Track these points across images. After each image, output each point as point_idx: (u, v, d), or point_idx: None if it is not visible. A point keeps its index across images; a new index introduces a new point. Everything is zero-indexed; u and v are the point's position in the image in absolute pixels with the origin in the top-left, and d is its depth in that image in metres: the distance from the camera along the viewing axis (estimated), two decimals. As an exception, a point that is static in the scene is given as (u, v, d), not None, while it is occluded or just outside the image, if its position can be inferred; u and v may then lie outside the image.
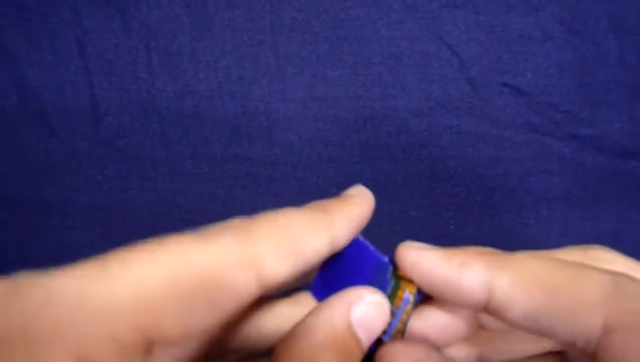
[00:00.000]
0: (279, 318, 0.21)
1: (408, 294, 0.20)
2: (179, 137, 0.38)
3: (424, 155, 0.37)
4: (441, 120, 0.37)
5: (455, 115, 0.37)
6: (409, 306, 0.21)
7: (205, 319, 0.17)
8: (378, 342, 0.21)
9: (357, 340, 0.18)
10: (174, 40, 0.37)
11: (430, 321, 0.20)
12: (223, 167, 0.38)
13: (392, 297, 0.21)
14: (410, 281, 0.20)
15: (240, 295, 0.17)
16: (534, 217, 0.36)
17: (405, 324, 0.21)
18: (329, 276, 0.23)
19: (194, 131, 0.38)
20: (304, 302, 0.22)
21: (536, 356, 0.21)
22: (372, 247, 0.23)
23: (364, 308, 0.19)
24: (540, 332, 0.17)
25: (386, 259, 0.22)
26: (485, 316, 0.20)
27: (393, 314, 0.21)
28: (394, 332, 0.21)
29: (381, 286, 0.21)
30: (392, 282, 0.21)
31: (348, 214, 0.21)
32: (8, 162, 0.38)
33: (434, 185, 0.37)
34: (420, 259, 0.20)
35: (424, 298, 0.21)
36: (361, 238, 0.23)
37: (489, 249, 0.20)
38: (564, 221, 0.37)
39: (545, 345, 0.20)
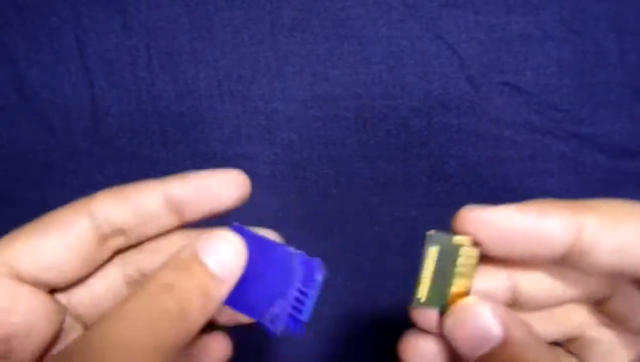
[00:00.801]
0: None
1: (472, 252, 0.21)
2: (179, 137, 0.38)
3: (424, 154, 0.37)
4: (441, 119, 0.37)
5: (455, 114, 0.37)
6: (475, 264, 0.21)
7: None
8: None
9: (200, 262, 0.22)
10: (174, 40, 0.37)
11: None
12: (223, 167, 0.38)
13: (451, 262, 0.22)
14: (468, 243, 0.21)
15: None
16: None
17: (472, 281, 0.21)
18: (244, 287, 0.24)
19: (194, 131, 0.38)
20: None
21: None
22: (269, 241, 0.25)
23: (210, 239, 0.23)
24: (622, 268, 0.18)
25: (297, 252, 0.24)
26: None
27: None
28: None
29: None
30: (447, 248, 0.22)
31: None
32: (8, 162, 0.38)
33: (434, 184, 0.37)
34: (492, 216, 0.20)
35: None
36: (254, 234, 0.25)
37: (557, 200, 0.21)
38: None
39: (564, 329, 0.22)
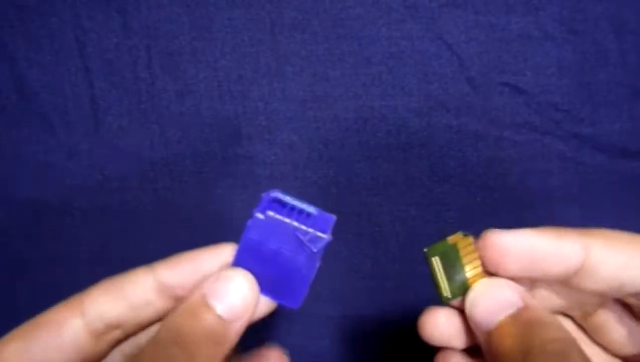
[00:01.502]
0: None
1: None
2: (179, 137, 0.38)
3: (424, 154, 0.37)
4: (441, 119, 0.37)
5: (455, 114, 0.37)
6: (474, 247, 0.25)
7: None
8: None
9: (207, 306, 0.23)
10: (174, 40, 0.37)
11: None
12: (223, 167, 0.38)
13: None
14: (460, 236, 0.25)
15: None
16: (534, 217, 0.36)
17: None
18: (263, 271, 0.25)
19: (194, 131, 0.38)
20: None
21: None
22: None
23: (217, 282, 0.23)
24: (623, 286, 0.21)
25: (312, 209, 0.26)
26: None
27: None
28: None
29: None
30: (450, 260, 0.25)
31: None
32: (8, 162, 0.38)
33: (433, 185, 0.37)
34: (516, 239, 0.23)
35: None
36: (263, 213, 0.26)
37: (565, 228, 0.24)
38: (564, 221, 0.37)
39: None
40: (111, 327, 0.24)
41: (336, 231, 0.37)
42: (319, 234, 0.26)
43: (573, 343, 0.20)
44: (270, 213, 0.26)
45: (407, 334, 0.37)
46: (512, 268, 0.23)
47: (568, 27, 0.36)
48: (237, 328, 0.23)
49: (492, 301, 0.22)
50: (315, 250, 0.26)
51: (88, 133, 0.38)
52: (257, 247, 0.25)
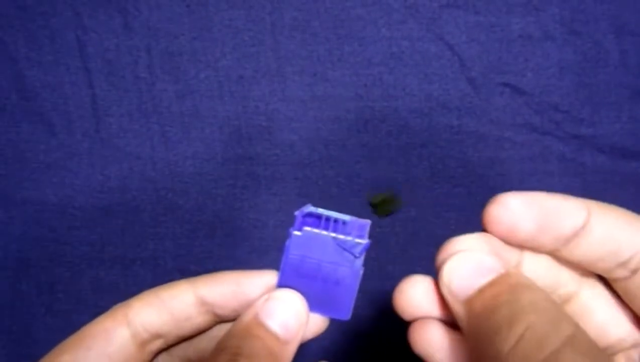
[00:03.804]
0: None
1: None
2: (179, 137, 0.38)
3: (425, 155, 0.37)
4: (442, 120, 0.37)
5: (456, 115, 0.37)
6: None
7: None
8: None
9: (263, 325, 0.23)
10: (175, 41, 0.37)
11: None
12: (223, 167, 0.38)
13: None
14: None
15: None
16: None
17: None
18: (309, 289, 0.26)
19: (194, 131, 0.38)
20: None
21: None
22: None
23: (269, 302, 0.24)
24: (619, 250, 0.21)
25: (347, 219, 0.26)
26: None
27: None
28: None
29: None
30: None
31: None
32: (8, 162, 0.38)
33: (434, 185, 0.37)
34: (527, 198, 0.22)
35: None
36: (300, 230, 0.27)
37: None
38: (564, 221, 0.37)
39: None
40: (155, 336, 0.25)
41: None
42: (358, 239, 0.26)
43: (561, 308, 0.20)
44: (307, 228, 0.26)
45: (407, 334, 0.37)
46: (527, 227, 0.22)
47: (568, 28, 0.36)
48: (292, 348, 0.24)
49: (470, 267, 0.21)
50: (357, 255, 0.26)
51: (88, 133, 0.38)
52: (299, 265, 0.26)
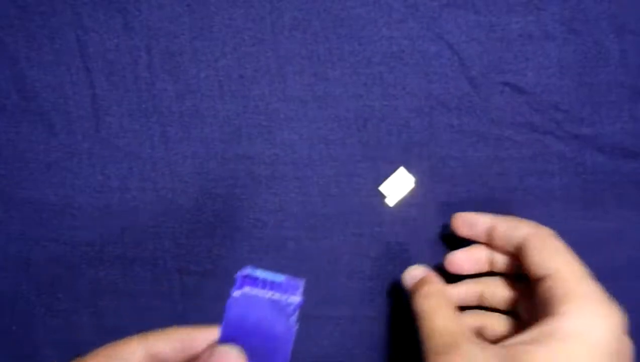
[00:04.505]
0: None
1: None
2: (179, 137, 0.38)
3: (425, 154, 0.37)
4: (442, 119, 0.37)
5: (456, 114, 0.37)
6: None
7: None
8: None
9: None
10: (175, 40, 0.37)
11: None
12: (223, 167, 0.38)
13: None
14: None
15: None
16: (534, 217, 0.36)
17: None
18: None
19: (194, 131, 0.38)
20: None
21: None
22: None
23: (212, 356, 0.27)
24: (504, 236, 0.33)
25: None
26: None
27: None
28: None
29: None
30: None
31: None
32: (8, 162, 0.38)
33: (434, 185, 0.37)
34: (465, 216, 0.35)
35: None
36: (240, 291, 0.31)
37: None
38: (564, 221, 0.37)
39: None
40: None
41: (336, 231, 0.37)
42: (292, 298, 0.30)
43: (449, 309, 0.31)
44: (246, 289, 0.30)
45: (407, 334, 0.37)
46: (462, 231, 0.35)
47: (569, 27, 0.36)
48: None
49: (409, 273, 0.34)
50: (290, 313, 0.30)
51: (88, 133, 0.38)
52: (240, 322, 0.29)
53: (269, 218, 0.38)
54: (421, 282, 0.33)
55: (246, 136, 0.37)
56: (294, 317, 0.30)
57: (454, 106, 0.37)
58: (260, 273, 0.31)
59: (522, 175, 0.37)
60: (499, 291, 0.34)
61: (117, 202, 0.38)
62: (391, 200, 0.37)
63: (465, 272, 0.35)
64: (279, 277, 0.31)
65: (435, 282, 0.33)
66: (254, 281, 0.31)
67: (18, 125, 0.38)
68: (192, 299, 0.38)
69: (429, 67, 0.37)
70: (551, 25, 0.36)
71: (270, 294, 0.30)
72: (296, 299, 0.30)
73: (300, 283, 0.31)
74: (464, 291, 0.35)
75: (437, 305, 0.31)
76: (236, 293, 0.30)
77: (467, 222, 0.34)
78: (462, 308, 0.34)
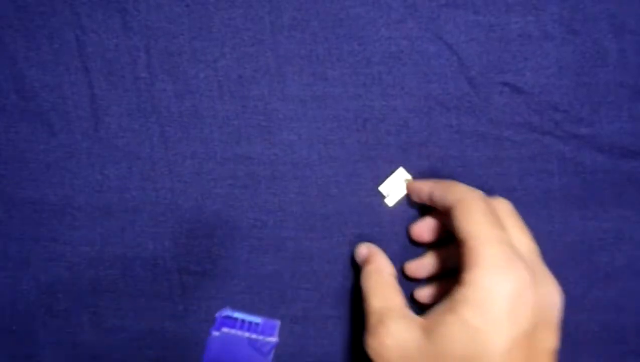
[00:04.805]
0: None
1: None
2: (178, 137, 0.38)
3: (424, 154, 0.37)
4: (441, 119, 0.37)
5: (455, 114, 0.37)
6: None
7: None
8: None
9: None
10: (174, 40, 0.37)
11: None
12: (223, 167, 0.38)
13: None
14: None
15: None
16: (533, 217, 0.36)
17: None
18: None
19: (193, 131, 0.38)
20: None
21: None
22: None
23: None
24: (439, 202, 0.33)
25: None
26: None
27: None
28: None
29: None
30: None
31: None
32: (8, 162, 0.38)
33: (433, 184, 0.37)
34: (416, 186, 0.36)
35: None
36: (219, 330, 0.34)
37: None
38: (564, 221, 0.37)
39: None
40: None
41: (336, 231, 0.37)
42: (267, 338, 0.32)
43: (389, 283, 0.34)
44: (225, 329, 0.32)
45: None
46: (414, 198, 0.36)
47: (568, 27, 0.36)
48: None
49: (359, 250, 0.36)
50: (266, 353, 0.32)
51: (87, 133, 0.38)
52: (218, 360, 0.31)
53: (268, 218, 0.38)
54: (365, 261, 0.35)
55: (245, 136, 0.37)
56: (270, 356, 0.32)
57: (453, 106, 0.37)
58: (238, 314, 0.33)
59: (522, 175, 0.37)
60: (455, 258, 0.34)
61: (117, 202, 0.38)
62: (390, 200, 0.37)
63: (427, 241, 0.36)
64: (257, 319, 0.33)
65: (375, 262, 0.35)
66: (232, 322, 0.33)
67: (17, 125, 0.38)
68: (192, 299, 0.38)
69: (428, 67, 0.37)
70: (550, 25, 0.36)
71: (247, 334, 0.32)
72: (273, 339, 0.33)
73: (276, 324, 0.34)
74: (427, 263, 0.36)
75: (374, 284, 0.33)
76: (215, 333, 0.32)
77: (415, 191, 0.36)
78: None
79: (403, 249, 0.37)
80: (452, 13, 0.36)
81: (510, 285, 0.28)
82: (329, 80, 0.37)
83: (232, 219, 0.38)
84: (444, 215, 0.33)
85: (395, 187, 0.37)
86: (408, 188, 0.36)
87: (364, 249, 0.36)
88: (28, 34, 0.37)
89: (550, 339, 0.30)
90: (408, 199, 0.37)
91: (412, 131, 0.37)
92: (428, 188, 0.34)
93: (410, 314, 0.31)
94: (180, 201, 0.38)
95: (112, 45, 0.37)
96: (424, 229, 0.36)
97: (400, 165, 0.37)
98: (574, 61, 0.37)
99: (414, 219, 0.37)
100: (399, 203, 0.37)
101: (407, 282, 0.37)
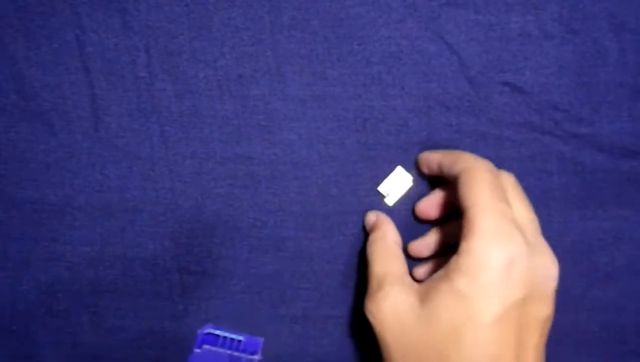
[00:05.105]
0: None
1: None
2: (178, 137, 0.38)
3: (424, 154, 0.37)
4: (441, 119, 0.37)
5: (455, 114, 0.37)
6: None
7: None
8: None
9: None
10: (174, 40, 0.37)
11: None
12: (223, 167, 0.38)
13: None
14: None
15: None
16: (533, 217, 0.36)
17: None
18: None
19: (193, 131, 0.38)
20: None
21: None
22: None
23: None
24: (447, 172, 0.34)
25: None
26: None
27: None
28: None
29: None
30: None
31: None
32: (8, 162, 0.38)
33: (433, 185, 0.37)
34: (426, 157, 0.36)
35: None
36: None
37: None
38: (564, 221, 0.37)
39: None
40: None
41: (336, 231, 0.37)
42: (250, 356, 0.32)
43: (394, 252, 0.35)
44: (207, 346, 0.32)
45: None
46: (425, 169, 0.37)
47: (567, 27, 0.36)
48: None
49: (369, 217, 0.37)
50: None
51: (88, 133, 0.38)
52: None
53: (268, 218, 0.38)
54: (372, 229, 0.36)
55: (245, 136, 0.37)
56: None
57: (453, 106, 0.37)
58: (220, 332, 0.33)
59: (521, 175, 0.37)
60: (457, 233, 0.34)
61: (117, 202, 0.38)
62: (390, 199, 0.37)
63: (434, 218, 0.37)
64: (239, 336, 0.33)
65: (380, 229, 0.35)
66: (214, 339, 0.33)
67: (17, 125, 0.38)
68: (192, 299, 0.38)
69: (428, 67, 0.37)
70: (550, 25, 0.36)
71: (230, 352, 0.33)
72: (255, 357, 0.33)
73: (259, 341, 0.34)
74: (431, 241, 0.36)
75: (377, 250, 0.34)
76: (197, 349, 0.32)
77: (425, 162, 0.36)
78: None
79: (402, 250, 0.38)
80: (452, 12, 0.36)
81: (504, 255, 0.28)
82: (329, 79, 0.37)
83: (232, 219, 0.38)
84: (451, 189, 0.34)
85: (394, 186, 0.37)
86: (418, 160, 0.36)
87: (372, 217, 0.37)
88: (28, 34, 0.37)
89: (543, 310, 0.30)
90: (416, 179, 0.37)
91: (412, 131, 0.37)
92: (437, 158, 0.35)
93: (409, 280, 0.32)
94: (180, 200, 0.38)
95: (112, 45, 0.37)
96: (430, 204, 0.36)
97: (400, 165, 0.37)
98: (574, 61, 0.37)
99: (413, 219, 0.37)
100: (398, 202, 0.37)
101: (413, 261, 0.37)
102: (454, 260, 0.30)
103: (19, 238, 0.38)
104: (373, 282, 0.33)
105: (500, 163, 0.37)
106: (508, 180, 0.33)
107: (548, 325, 0.30)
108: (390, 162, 0.37)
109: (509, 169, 0.36)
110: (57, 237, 0.38)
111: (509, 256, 0.29)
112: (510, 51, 0.37)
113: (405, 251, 0.37)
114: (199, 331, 0.33)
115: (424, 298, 0.30)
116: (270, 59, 0.37)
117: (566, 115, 0.37)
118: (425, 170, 0.36)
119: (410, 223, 0.37)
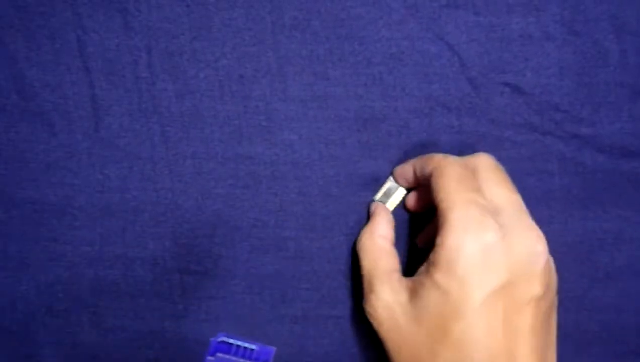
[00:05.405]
0: None
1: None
2: (179, 137, 0.38)
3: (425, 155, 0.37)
4: (442, 120, 0.37)
5: (456, 115, 0.37)
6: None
7: None
8: None
9: None
10: (175, 40, 0.37)
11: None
12: (223, 167, 0.38)
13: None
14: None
15: None
16: (534, 217, 0.36)
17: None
18: None
19: (194, 131, 0.38)
20: None
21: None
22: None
23: None
24: (421, 176, 0.34)
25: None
26: None
27: None
28: None
29: None
30: None
31: None
32: (8, 162, 0.38)
33: (434, 185, 0.37)
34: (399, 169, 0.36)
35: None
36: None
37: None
38: (564, 221, 0.37)
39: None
40: None
41: (336, 231, 0.37)
42: None
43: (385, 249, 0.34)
44: (220, 354, 0.32)
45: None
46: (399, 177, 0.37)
47: (568, 28, 0.37)
48: None
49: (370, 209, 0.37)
50: None
51: (88, 133, 0.38)
52: None
53: (269, 218, 0.38)
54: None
55: (246, 136, 0.37)
56: None
57: (454, 107, 0.37)
58: (233, 341, 0.33)
59: (522, 176, 0.37)
60: None
61: (117, 202, 0.38)
62: (390, 205, 0.37)
63: (423, 211, 0.37)
64: (252, 345, 0.33)
65: (370, 223, 0.35)
66: (227, 347, 0.33)
67: (17, 125, 0.38)
68: (192, 299, 0.38)
69: (429, 68, 0.37)
70: (551, 26, 0.36)
71: (242, 361, 0.33)
72: None
73: (272, 351, 0.34)
74: (430, 233, 0.36)
75: (364, 245, 0.34)
76: (210, 358, 0.32)
77: (401, 175, 0.36)
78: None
79: (402, 250, 0.38)
80: (453, 14, 0.36)
81: (476, 244, 0.29)
82: (330, 80, 0.37)
83: (233, 219, 0.38)
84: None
85: (389, 196, 0.37)
86: (395, 175, 0.37)
87: (372, 208, 0.37)
88: (28, 34, 0.37)
89: (531, 289, 0.29)
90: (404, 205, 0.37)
91: (413, 132, 0.37)
92: (411, 168, 0.35)
93: (398, 276, 0.33)
94: (181, 200, 0.38)
95: (113, 45, 0.37)
96: (417, 199, 0.37)
97: (399, 165, 0.37)
98: (575, 62, 0.37)
99: (413, 219, 0.37)
100: (398, 206, 0.37)
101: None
102: (431, 255, 0.30)
103: (19, 238, 0.38)
104: (364, 281, 0.33)
105: (500, 163, 0.37)
106: (484, 162, 0.33)
107: (544, 304, 0.30)
108: (391, 162, 0.37)
109: (509, 169, 0.36)
110: (57, 237, 0.38)
111: (481, 244, 0.29)
112: (511, 52, 0.37)
113: (414, 243, 0.37)
114: (212, 339, 0.33)
115: (412, 294, 0.31)
116: (271, 59, 0.37)
117: (567, 116, 0.37)
118: (404, 183, 0.37)
119: (409, 223, 0.37)
